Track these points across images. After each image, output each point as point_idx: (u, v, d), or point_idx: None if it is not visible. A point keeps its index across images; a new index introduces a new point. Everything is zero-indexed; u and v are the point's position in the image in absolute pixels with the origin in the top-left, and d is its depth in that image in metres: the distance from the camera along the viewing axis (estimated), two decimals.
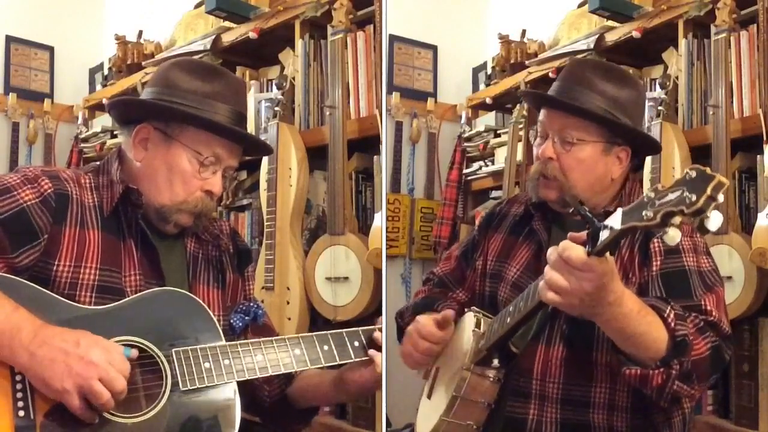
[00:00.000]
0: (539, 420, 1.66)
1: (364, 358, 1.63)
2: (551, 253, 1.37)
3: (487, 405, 1.64)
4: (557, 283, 1.36)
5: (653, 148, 1.89)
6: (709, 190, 1.13)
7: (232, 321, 1.71)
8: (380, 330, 1.66)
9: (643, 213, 1.21)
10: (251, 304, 1.76)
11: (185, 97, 1.61)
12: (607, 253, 1.32)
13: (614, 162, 1.74)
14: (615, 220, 1.27)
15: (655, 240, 1.63)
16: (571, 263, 1.32)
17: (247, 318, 1.72)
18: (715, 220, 1.16)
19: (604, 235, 1.28)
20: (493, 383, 1.64)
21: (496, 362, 1.64)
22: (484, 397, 1.64)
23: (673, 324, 1.45)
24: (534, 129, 1.82)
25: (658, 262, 1.63)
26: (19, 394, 1.38)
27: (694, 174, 1.16)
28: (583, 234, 1.33)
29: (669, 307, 1.48)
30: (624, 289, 1.41)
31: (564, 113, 1.71)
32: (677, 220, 1.17)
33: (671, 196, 1.17)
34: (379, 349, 1.62)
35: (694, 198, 1.14)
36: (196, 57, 3.07)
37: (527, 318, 1.56)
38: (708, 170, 1.16)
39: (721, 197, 1.14)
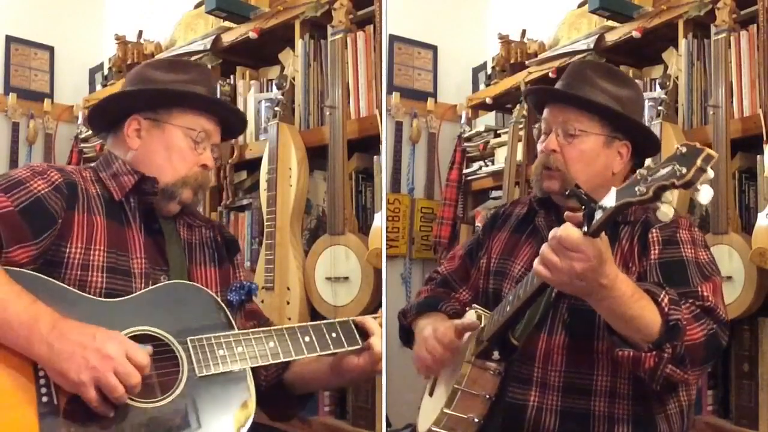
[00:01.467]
0: (539, 407, 1.67)
1: (362, 346, 1.68)
2: (551, 233, 1.41)
3: (487, 398, 1.66)
4: (548, 258, 1.40)
5: (653, 144, 1.91)
6: (698, 162, 1.18)
7: (229, 297, 1.78)
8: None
9: (636, 189, 1.25)
10: (244, 281, 1.84)
11: (166, 86, 1.74)
12: (602, 235, 1.37)
13: (615, 156, 1.79)
14: (609, 199, 1.31)
15: (654, 230, 1.68)
16: (564, 243, 1.37)
17: (242, 292, 1.81)
18: (705, 193, 1.20)
19: (599, 214, 1.33)
20: (494, 376, 1.66)
21: (496, 355, 1.66)
22: (484, 389, 1.66)
23: (666, 308, 1.47)
24: (537, 128, 1.87)
25: (657, 251, 1.66)
26: (42, 380, 1.41)
27: (684, 149, 1.21)
28: (579, 214, 1.37)
29: (663, 292, 1.50)
30: (618, 272, 1.44)
31: (567, 107, 1.78)
32: (669, 196, 1.22)
33: (663, 171, 1.22)
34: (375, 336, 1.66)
35: (684, 170, 1.19)
36: (194, 57, 3.09)
37: (527, 304, 1.58)
38: (697, 144, 1.21)
39: (711, 171, 1.18)
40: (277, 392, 1.81)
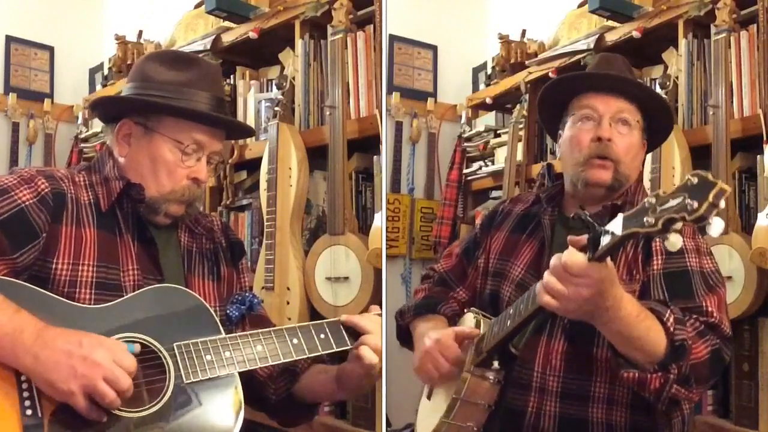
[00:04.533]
0: (538, 412, 1.66)
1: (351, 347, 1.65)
2: (553, 259, 1.38)
3: (487, 406, 1.64)
4: (554, 288, 1.37)
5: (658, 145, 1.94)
6: (711, 197, 1.13)
7: (228, 311, 1.73)
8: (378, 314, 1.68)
9: (645, 219, 1.21)
10: (246, 294, 1.78)
11: (162, 89, 1.64)
12: (608, 259, 1.34)
13: (642, 154, 1.80)
14: (616, 226, 1.28)
15: (657, 239, 1.65)
16: (570, 270, 1.34)
17: (243, 307, 1.75)
18: (716, 226, 1.15)
19: (605, 240, 1.29)
20: (493, 385, 1.64)
21: (496, 364, 1.63)
22: (484, 398, 1.64)
23: (672, 328, 1.46)
24: (572, 116, 1.77)
25: (660, 261, 1.64)
26: (26, 394, 1.38)
27: (695, 180, 1.16)
28: (583, 238, 1.34)
29: (669, 311, 1.48)
30: (623, 293, 1.42)
31: (619, 97, 1.73)
32: (678, 226, 1.18)
33: (672, 203, 1.17)
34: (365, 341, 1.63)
35: (695, 205, 1.14)
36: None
37: (526, 322, 1.56)
38: (710, 176, 1.16)
39: (722, 204, 1.14)
40: (286, 404, 1.79)
